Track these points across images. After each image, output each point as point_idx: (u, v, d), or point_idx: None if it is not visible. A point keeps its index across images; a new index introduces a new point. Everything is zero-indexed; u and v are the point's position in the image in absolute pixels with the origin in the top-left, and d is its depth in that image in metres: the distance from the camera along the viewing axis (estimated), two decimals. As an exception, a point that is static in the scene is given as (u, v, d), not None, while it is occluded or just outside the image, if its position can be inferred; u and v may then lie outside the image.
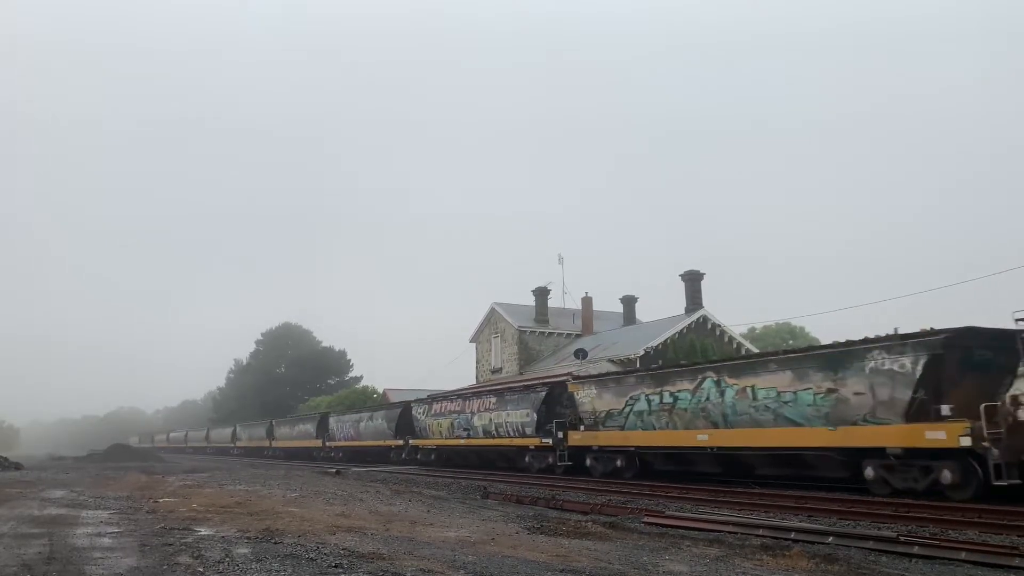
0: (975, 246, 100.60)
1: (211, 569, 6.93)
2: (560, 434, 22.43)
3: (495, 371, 44.16)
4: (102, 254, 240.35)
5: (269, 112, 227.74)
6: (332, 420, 43.21)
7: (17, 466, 35.09)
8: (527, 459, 24.32)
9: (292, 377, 79.07)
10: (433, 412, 30.98)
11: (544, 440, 23.07)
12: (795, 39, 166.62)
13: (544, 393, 24.17)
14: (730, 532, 9.50)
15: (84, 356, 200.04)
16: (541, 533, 9.79)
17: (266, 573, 6.75)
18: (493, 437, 26.24)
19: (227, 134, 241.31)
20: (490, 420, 26.46)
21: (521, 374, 39.83)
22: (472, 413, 27.81)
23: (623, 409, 20.21)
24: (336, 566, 7.02)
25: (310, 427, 45.99)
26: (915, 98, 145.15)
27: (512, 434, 25.11)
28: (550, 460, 22.95)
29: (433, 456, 30.98)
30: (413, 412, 33.01)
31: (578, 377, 23.93)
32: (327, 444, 42.76)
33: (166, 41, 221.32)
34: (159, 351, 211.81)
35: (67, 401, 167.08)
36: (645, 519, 11.02)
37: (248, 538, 8.97)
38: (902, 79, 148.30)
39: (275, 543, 8.53)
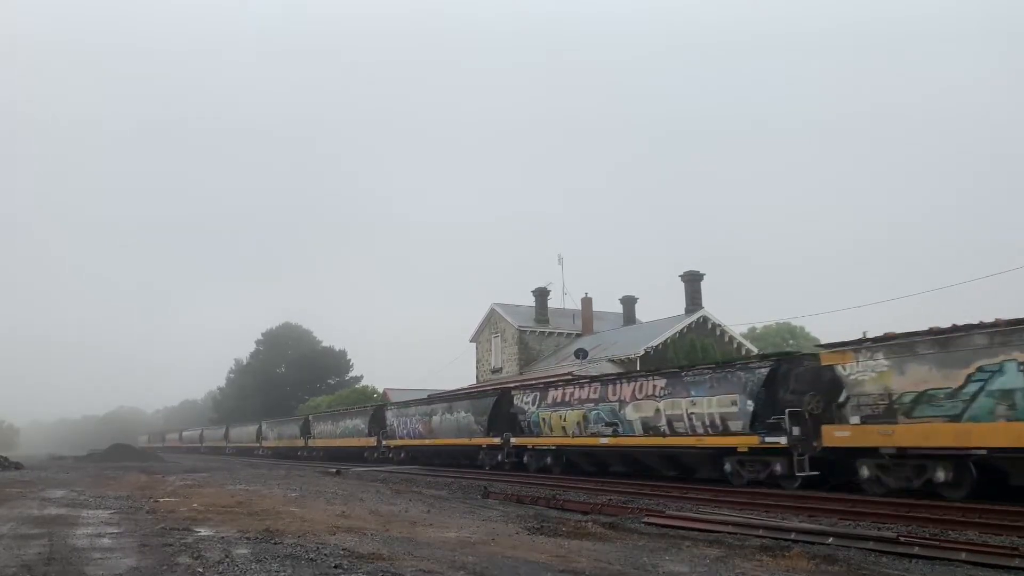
0: (976, 246, 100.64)
1: (211, 569, 6.94)
2: (796, 430, 15.58)
3: (495, 371, 44.21)
4: (102, 254, 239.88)
5: (269, 112, 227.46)
6: (391, 414, 35.54)
7: (17, 466, 35.09)
8: (728, 467, 17.29)
9: (292, 377, 79.11)
10: (550, 401, 23.47)
11: (769, 439, 15.92)
12: (795, 39, 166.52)
13: (766, 371, 16.89)
14: (730, 532, 9.50)
15: (84, 356, 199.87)
16: (541, 533, 9.79)
17: (266, 574, 6.75)
18: (663, 435, 18.87)
19: (227, 134, 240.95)
20: (657, 411, 19.01)
21: (521, 374, 39.86)
22: (622, 402, 20.26)
23: (961, 388, 12.97)
24: (336, 566, 7.02)
25: (360, 422, 38.62)
26: (915, 98, 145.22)
27: (701, 431, 17.87)
28: (776, 468, 16.00)
29: (550, 460, 23.46)
30: (516, 402, 25.37)
31: (854, 342, 15.36)
32: (384, 443, 35.43)
33: (166, 41, 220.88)
34: (159, 351, 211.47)
35: (67, 401, 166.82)
36: (645, 519, 11.02)
37: (248, 538, 8.97)
38: (902, 79, 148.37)
39: (275, 543, 8.54)
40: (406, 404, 35.55)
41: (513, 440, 25.00)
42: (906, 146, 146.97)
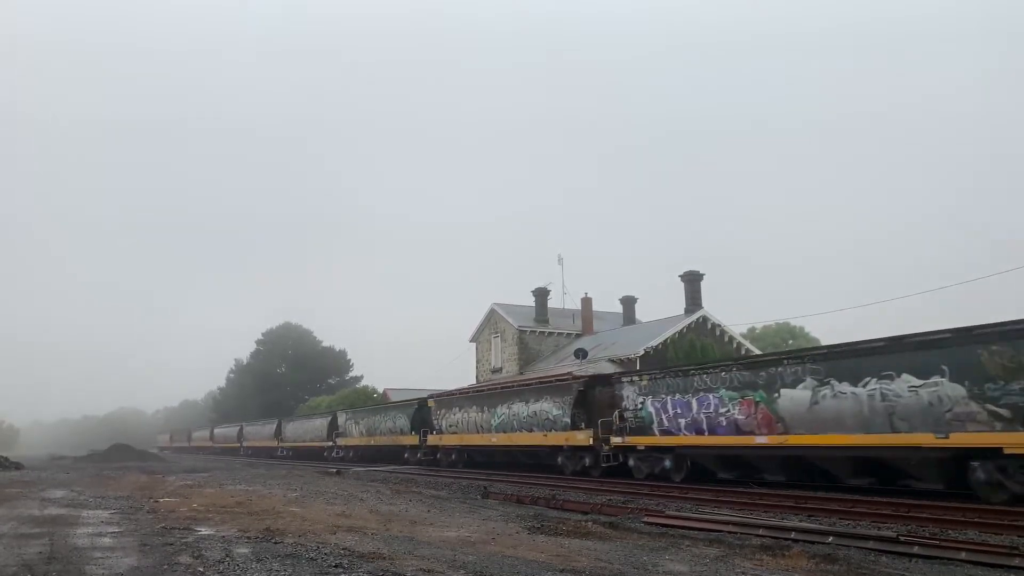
0: (976, 246, 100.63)
1: (211, 569, 6.95)
2: None
3: (495, 371, 44.20)
4: (102, 254, 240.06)
5: (269, 112, 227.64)
6: (631, 390, 19.52)
7: (17, 466, 35.11)
8: None
9: (292, 377, 79.10)
10: None
11: None
12: (795, 39, 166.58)
13: None
14: (730, 532, 9.50)
15: (84, 356, 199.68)
16: (541, 533, 9.80)
17: (266, 573, 6.76)
18: None
19: (227, 134, 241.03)
20: None
21: (521, 374, 39.84)
22: None
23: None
24: (336, 566, 7.03)
25: (548, 406, 22.75)
26: (915, 98, 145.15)
27: None
28: None
29: None
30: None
31: None
32: (607, 439, 19.70)
33: (166, 41, 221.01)
34: (159, 351, 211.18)
35: (67, 401, 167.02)
36: (645, 519, 11.03)
37: (248, 538, 8.98)
38: (902, 79, 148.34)
39: (275, 543, 8.55)
40: (668, 370, 19.46)
41: None
42: (906, 146, 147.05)
